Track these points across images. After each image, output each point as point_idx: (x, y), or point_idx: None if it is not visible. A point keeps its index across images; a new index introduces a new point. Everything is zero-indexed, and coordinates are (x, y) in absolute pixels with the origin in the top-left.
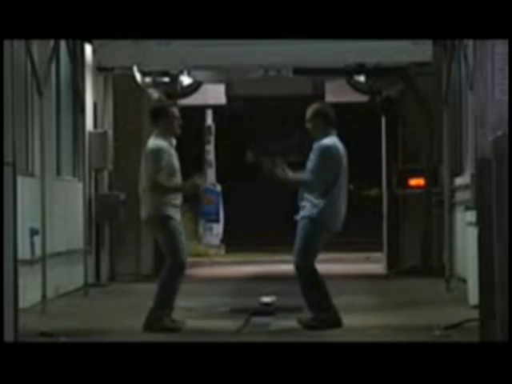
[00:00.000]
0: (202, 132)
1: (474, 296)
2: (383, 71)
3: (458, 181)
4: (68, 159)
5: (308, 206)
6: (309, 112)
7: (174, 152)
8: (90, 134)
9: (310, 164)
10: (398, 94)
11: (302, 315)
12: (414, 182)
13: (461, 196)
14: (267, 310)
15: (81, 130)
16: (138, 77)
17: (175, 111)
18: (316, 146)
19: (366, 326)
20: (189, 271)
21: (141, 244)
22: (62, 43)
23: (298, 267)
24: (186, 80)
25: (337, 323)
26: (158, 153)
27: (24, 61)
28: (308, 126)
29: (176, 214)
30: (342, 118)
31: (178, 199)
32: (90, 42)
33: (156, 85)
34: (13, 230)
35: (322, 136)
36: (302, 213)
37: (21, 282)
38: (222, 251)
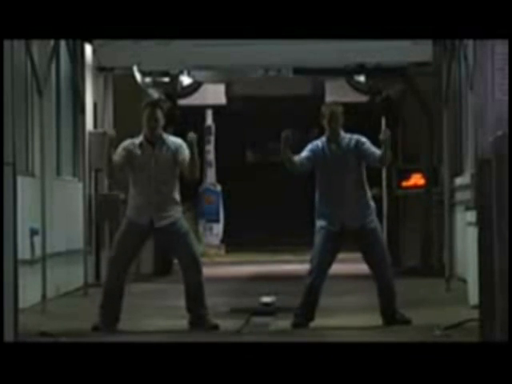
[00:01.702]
0: (202, 132)
1: (474, 296)
2: (383, 71)
3: (458, 181)
4: (68, 159)
5: None
6: (340, 110)
7: (143, 152)
8: (90, 134)
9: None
10: (398, 94)
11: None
12: (413, 179)
13: (461, 196)
14: (267, 310)
15: (81, 129)
16: (138, 77)
17: (149, 113)
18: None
19: (366, 326)
20: None
21: None
22: (62, 43)
23: None
24: (186, 80)
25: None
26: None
27: (24, 61)
28: (338, 123)
29: (136, 215)
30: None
31: (140, 199)
32: (90, 42)
33: (156, 85)
34: (13, 230)
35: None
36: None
37: (21, 282)
38: (222, 251)
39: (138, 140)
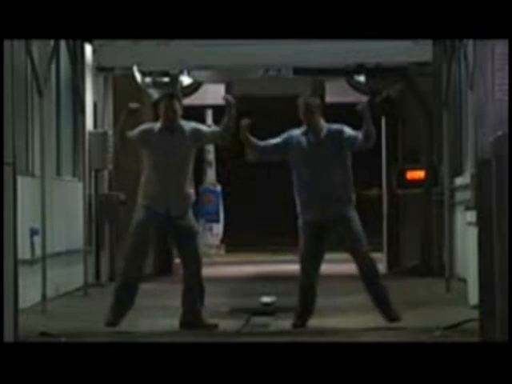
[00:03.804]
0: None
1: (473, 296)
2: (383, 71)
3: (458, 181)
4: (68, 159)
5: None
6: (316, 102)
7: (162, 138)
8: (90, 133)
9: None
10: (398, 94)
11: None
12: (414, 175)
13: (461, 196)
14: (267, 310)
15: (81, 129)
16: (138, 77)
17: (166, 104)
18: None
19: (366, 327)
20: None
21: None
22: (62, 43)
23: None
24: (186, 80)
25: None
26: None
27: (24, 61)
28: (314, 114)
29: (154, 202)
30: (342, 118)
31: (157, 186)
32: (90, 42)
33: (156, 85)
34: (13, 230)
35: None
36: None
37: (21, 282)
38: (222, 251)
39: (157, 126)
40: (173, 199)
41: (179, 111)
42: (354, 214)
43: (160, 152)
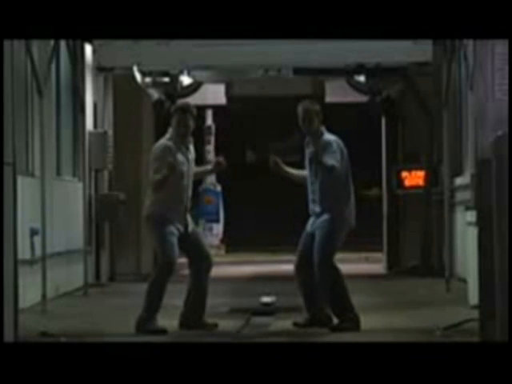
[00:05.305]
0: (201, 132)
1: (473, 296)
2: (383, 71)
3: (458, 181)
4: (68, 159)
5: None
6: (315, 108)
7: (181, 156)
8: (90, 133)
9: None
10: (398, 94)
11: (298, 318)
12: (414, 175)
13: (461, 196)
14: (267, 310)
15: (81, 129)
16: (138, 77)
17: (178, 118)
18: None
19: (366, 327)
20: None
21: (141, 244)
22: (62, 43)
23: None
24: (186, 80)
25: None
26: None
27: (24, 61)
28: (312, 124)
29: (174, 216)
30: (341, 118)
31: (178, 202)
32: (90, 42)
33: (156, 85)
34: (13, 230)
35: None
36: None
37: (21, 282)
38: (222, 251)
39: (173, 142)
40: (187, 215)
41: (192, 126)
42: (324, 229)
43: (180, 170)
